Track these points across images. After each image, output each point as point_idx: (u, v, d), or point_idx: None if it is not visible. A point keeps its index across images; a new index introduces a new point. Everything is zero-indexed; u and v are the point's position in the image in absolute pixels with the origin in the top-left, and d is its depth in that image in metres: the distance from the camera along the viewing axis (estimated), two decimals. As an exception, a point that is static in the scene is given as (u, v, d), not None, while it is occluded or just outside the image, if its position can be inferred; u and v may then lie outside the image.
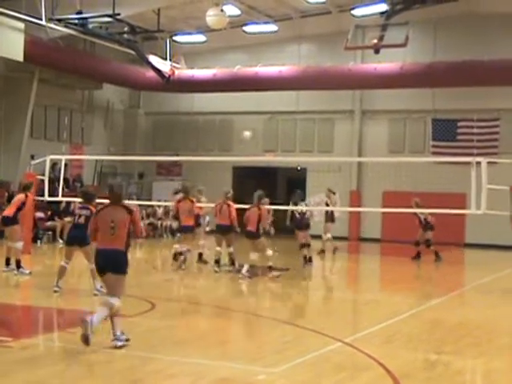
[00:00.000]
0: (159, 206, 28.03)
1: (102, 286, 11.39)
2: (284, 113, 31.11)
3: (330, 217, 21.52)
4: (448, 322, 10.79)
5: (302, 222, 17.58)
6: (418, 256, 20.61)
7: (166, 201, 25.70)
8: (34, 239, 20.96)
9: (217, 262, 16.25)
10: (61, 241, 23.06)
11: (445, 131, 28.57)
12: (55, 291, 11.98)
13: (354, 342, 8.49)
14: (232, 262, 16.30)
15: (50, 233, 23.21)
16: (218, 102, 31.31)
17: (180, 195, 17.66)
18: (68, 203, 23.69)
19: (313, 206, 20.25)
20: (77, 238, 11.96)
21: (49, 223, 23.18)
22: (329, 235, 21.43)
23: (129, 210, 8.49)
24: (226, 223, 16.05)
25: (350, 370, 7.22)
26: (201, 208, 17.56)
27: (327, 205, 21.43)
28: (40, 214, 22.58)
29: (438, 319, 10.97)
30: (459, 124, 28.38)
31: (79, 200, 13.10)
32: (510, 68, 24.87)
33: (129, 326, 9.48)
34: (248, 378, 6.84)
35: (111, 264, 8.19)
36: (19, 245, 14.22)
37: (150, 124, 33.88)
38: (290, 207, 17.84)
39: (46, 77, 26.41)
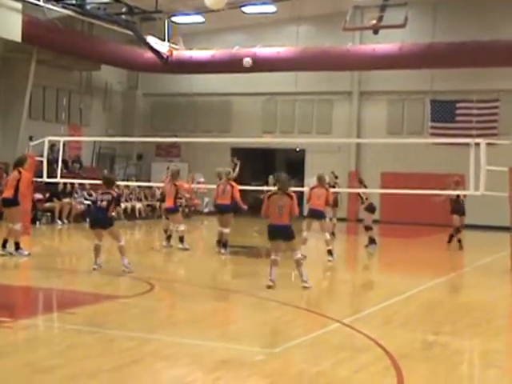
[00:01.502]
0: (158, 188, 27.99)
1: (129, 263, 12.34)
2: (282, 94, 31.05)
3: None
4: (446, 303, 10.83)
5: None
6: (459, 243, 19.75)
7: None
8: (33, 220, 20.95)
9: (219, 242, 16.18)
10: (59, 222, 23.10)
11: (443, 112, 28.53)
12: (94, 269, 12.25)
13: (352, 323, 8.52)
14: (224, 244, 16.05)
15: (48, 214, 23.21)
16: (216, 83, 31.23)
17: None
18: (66, 184, 23.71)
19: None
20: (99, 220, 12.44)
21: (47, 204, 23.18)
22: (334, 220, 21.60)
23: None
24: (226, 203, 15.98)
25: (349, 351, 7.25)
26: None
27: (333, 187, 21.48)
28: (39, 195, 22.57)
29: (436, 300, 11.00)
30: (458, 105, 28.34)
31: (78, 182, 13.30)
32: (509, 49, 24.79)
33: (127, 307, 9.51)
34: (247, 358, 6.87)
35: None
36: (18, 226, 14.17)
37: (149, 105, 33.80)
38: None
39: (44, 58, 26.32)
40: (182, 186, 16.33)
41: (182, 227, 16.30)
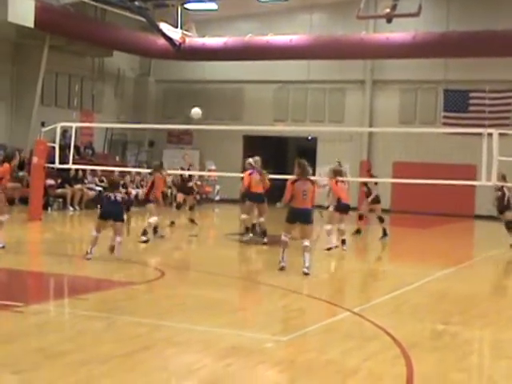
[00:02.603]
0: (169, 175, 28.01)
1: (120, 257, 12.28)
2: (295, 82, 30.97)
3: None
4: (456, 293, 10.82)
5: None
6: None
7: (182, 169, 25.77)
8: (45, 206, 21.05)
9: (247, 229, 16.11)
10: (71, 208, 23.19)
11: (456, 102, 28.40)
12: (88, 259, 12.09)
13: (362, 312, 8.54)
14: (264, 232, 15.79)
15: (60, 200, 23.29)
16: (228, 71, 31.19)
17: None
18: (78, 171, 23.78)
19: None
20: (113, 213, 12.40)
21: (59, 190, 23.26)
22: None
23: None
24: (261, 192, 15.71)
25: (358, 340, 7.26)
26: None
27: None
28: (50, 181, 22.66)
29: (445, 290, 11.00)
30: (471, 95, 28.20)
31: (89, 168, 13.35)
32: (523, 38, 24.63)
33: (138, 293, 9.56)
34: (256, 345, 6.90)
35: None
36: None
37: (161, 92, 33.80)
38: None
39: (57, 44, 26.34)
40: (159, 179, 15.97)
41: (152, 219, 15.50)
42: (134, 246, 13.23)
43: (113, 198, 12.47)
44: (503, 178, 16.53)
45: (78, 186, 23.74)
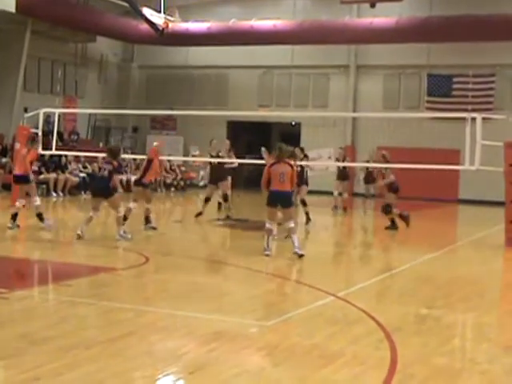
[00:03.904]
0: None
1: (125, 232, 12.64)
2: (279, 67, 30.93)
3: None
4: (439, 277, 10.88)
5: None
6: None
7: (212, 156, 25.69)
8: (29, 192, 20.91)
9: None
10: (54, 194, 23.08)
11: (440, 87, 28.47)
12: (78, 236, 12.38)
13: (346, 296, 8.57)
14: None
15: (43, 186, 23.18)
16: (212, 56, 31.09)
17: None
18: (61, 157, 23.66)
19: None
20: (101, 189, 12.70)
21: (42, 176, 23.14)
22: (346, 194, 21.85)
23: None
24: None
25: (343, 324, 7.30)
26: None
27: (342, 161, 21.70)
28: (33, 168, 22.49)
29: (429, 275, 11.06)
30: (455, 80, 28.28)
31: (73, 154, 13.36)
32: (506, 23, 24.72)
33: (122, 279, 9.56)
34: (240, 330, 6.92)
35: None
36: None
37: (144, 77, 33.66)
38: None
39: (39, 29, 26.16)
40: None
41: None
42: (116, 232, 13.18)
43: (100, 174, 12.77)
44: (383, 157, 16.75)
45: (61, 173, 23.63)
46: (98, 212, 13.07)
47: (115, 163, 12.80)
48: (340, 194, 21.97)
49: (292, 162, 12.19)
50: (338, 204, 21.93)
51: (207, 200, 17.19)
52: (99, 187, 12.82)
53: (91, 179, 22.87)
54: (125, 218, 13.68)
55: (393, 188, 16.74)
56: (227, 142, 18.30)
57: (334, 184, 22.22)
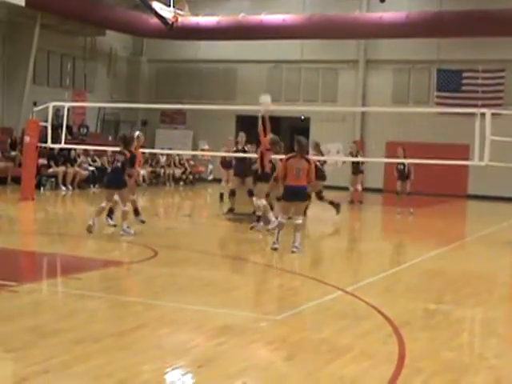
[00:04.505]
0: (162, 154, 28.05)
1: (128, 227, 12.55)
2: (288, 62, 30.89)
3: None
4: (448, 272, 10.87)
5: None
6: None
7: (169, 149, 25.71)
8: (37, 186, 21.02)
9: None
10: (63, 188, 23.14)
11: (449, 82, 28.39)
12: (89, 226, 12.39)
13: (354, 291, 8.57)
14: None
15: (52, 179, 23.25)
16: (222, 50, 31.08)
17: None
18: (70, 150, 23.72)
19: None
20: (114, 181, 12.64)
21: (51, 170, 23.21)
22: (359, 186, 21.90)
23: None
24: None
25: (351, 318, 7.30)
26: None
27: (355, 156, 21.76)
28: (43, 161, 22.59)
29: (438, 270, 11.05)
30: (464, 75, 28.19)
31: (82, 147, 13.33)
32: (517, 18, 24.59)
33: (131, 272, 9.59)
34: (249, 324, 6.93)
35: None
36: None
37: (154, 71, 33.67)
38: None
39: (49, 22, 26.19)
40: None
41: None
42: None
43: (114, 166, 12.73)
44: (317, 145, 16.70)
45: (71, 166, 23.69)
46: (111, 203, 13.09)
47: (128, 154, 12.64)
48: (356, 190, 22.12)
49: (310, 157, 12.15)
50: (354, 198, 22.07)
51: (233, 193, 17.09)
52: (112, 179, 12.78)
53: (104, 172, 23.10)
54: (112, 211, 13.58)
55: (320, 176, 16.77)
56: (242, 134, 17.89)
57: (349, 179, 22.36)
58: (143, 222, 14.38)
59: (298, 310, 7.71)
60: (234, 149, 17.54)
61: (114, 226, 13.36)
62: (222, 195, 19.05)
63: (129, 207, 13.00)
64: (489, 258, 12.59)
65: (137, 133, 15.07)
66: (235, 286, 9.13)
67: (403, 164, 19.41)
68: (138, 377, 5.17)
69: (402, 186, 19.68)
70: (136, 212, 14.45)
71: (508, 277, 11.37)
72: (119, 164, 12.59)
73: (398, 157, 19.59)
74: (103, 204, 12.78)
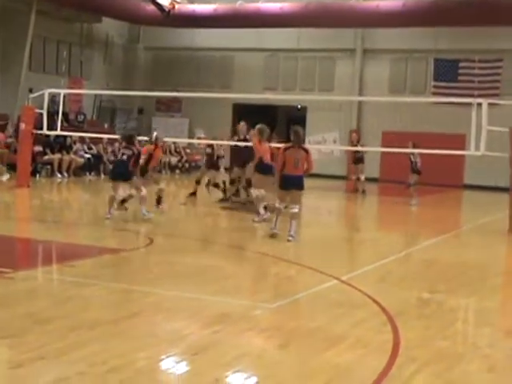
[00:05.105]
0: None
1: (147, 211, 12.91)
2: (285, 50, 30.83)
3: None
4: (443, 261, 10.90)
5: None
6: None
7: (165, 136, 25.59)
8: (33, 173, 20.99)
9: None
10: (59, 175, 23.10)
11: (446, 71, 28.37)
12: (107, 218, 12.61)
13: (350, 280, 8.59)
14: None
15: (48, 167, 23.21)
16: (218, 38, 30.99)
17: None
18: (66, 137, 23.67)
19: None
20: (120, 174, 13.03)
21: (47, 157, 23.17)
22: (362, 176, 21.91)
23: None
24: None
25: (346, 307, 7.32)
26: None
27: (355, 145, 21.77)
28: (38, 148, 22.54)
29: (432, 259, 11.08)
30: (461, 64, 28.18)
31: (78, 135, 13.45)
32: (514, 8, 24.56)
33: (126, 260, 9.59)
34: (244, 312, 6.95)
35: None
36: None
37: (150, 59, 33.59)
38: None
39: (45, 9, 26.09)
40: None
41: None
42: (121, 214, 13.23)
43: (119, 157, 13.14)
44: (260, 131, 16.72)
45: (72, 156, 23.65)
46: (118, 192, 13.29)
47: (135, 149, 13.15)
48: (358, 179, 22.13)
49: (308, 147, 12.29)
50: (359, 187, 22.10)
51: (233, 182, 17.08)
52: (119, 171, 13.11)
53: (99, 160, 23.97)
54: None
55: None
56: (243, 123, 17.67)
57: (350, 168, 22.39)
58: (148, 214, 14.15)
59: (294, 299, 7.73)
60: (236, 138, 17.45)
61: (127, 207, 13.72)
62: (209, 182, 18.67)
63: (144, 192, 13.20)
64: (483, 247, 12.62)
65: (154, 134, 15.26)
66: (230, 274, 9.15)
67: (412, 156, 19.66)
68: (132, 364, 5.18)
69: (413, 178, 19.93)
70: (158, 200, 14.72)
71: (502, 266, 11.42)
72: (125, 157, 12.92)
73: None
74: (112, 193, 13.03)
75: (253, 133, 15.07)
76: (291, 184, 11.70)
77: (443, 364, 5.58)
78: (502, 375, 5.50)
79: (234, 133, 18.27)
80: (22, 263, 9.32)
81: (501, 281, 10.02)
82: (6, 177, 14.29)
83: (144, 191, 13.18)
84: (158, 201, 14.75)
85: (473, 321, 7.61)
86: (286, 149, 11.81)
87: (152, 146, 14.61)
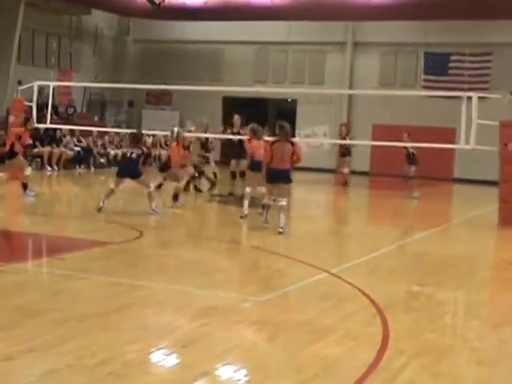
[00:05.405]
0: (148, 135, 27.91)
1: (156, 206, 13.09)
2: (275, 43, 30.76)
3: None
4: (432, 255, 10.94)
5: None
6: None
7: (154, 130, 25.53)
8: (23, 166, 20.85)
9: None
10: (49, 168, 23.01)
11: (437, 65, 28.39)
12: (99, 209, 12.72)
13: (339, 273, 8.62)
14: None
15: (38, 160, 23.12)
16: (209, 31, 30.88)
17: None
18: (56, 130, 23.59)
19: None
20: (128, 171, 13.20)
21: (36, 150, 23.07)
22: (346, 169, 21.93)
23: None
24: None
25: (335, 300, 7.34)
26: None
27: (343, 138, 21.77)
28: (28, 141, 22.40)
29: (422, 252, 11.11)
30: (451, 58, 28.20)
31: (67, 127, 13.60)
32: (504, 2, 24.57)
33: (116, 253, 9.58)
34: (234, 306, 6.96)
35: None
36: None
37: (140, 52, 33.45)
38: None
39: (33, 1, 25.92)
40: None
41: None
42: (112, 207, 13.20)
43: (128, 155, 13.23)
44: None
45: (62, 148, 23.57)
46: (119, 187, 13.38)
47: (145, 149, 13.60)
48: (334, 171, 22.16)
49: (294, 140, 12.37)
50: (342, 180, 22.14)
51: (234, 176, 17.05)
52: (127, 169, 13.26)
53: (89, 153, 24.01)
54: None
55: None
56: (237, 117, 17.65)
57: (337, 161, 22.39)
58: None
59: (283, 292, 7.75)
60: (230, 131, 17.48)
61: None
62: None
63: (153, 188, 13.33)
64: (473, 241, 12.67)
65: (175, 129, 15.53)
66: (220, 268, 9.16)
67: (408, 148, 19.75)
68: (121, 357, 5.19)
69: (409, 170, 20.01)
70: (175, 197, 14.74)
71: (491, 260, 11.47)
72: (134, 155, 13.11)
73: (404, 142, 19.69)
74: (112, 186, 13.12)
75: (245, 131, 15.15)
76: (278, 177, 11.83)
77: (432, 357, 5.60)
78: (491, 368, 5.53)
79: (225, 126, 18.23)
80: (13, 256, 9.30)
81: (490, 274, 10.07)
82: (29, 171, 14.77)
83: (152, 188, 13.34)
84: (175, 197, 14.75)
85: (462, 314, 7.64)
86: (273, 143, 11.97)
87: (174, 143, 15.23)
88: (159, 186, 15.47)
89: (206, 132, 18.41)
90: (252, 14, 27.75)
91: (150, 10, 27.64)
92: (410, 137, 19.68)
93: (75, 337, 5.57)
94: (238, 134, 16.90)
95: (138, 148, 13.37)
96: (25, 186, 14.88)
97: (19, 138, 15.30)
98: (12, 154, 15.17)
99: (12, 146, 15.16)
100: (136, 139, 13.69)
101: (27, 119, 16.12)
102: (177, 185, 14.98)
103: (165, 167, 15.93)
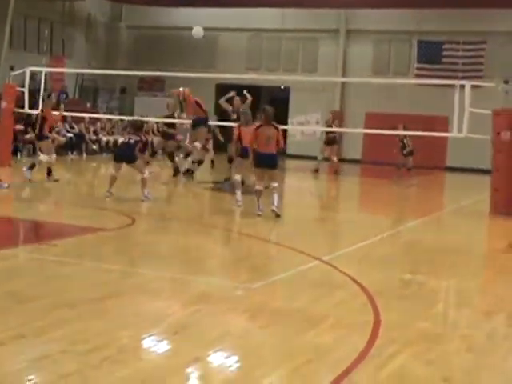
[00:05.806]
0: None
1: (148, 193, 13.15)
2: (268, 30, 30.68)
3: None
4: (424, 243, 10.96)
5: None
6: None
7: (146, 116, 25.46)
8: (14, 152, 20.81)
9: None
10: (40, 154, 22.89)
11: (430, 53, 28.37)
12: (107, 196, 12.96)
13: (331, 261, 8.62)
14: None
15: (30, 146, 23.00)
16: (202, 18, 30.68)
17: None
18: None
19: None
20: (125, 155, 13.41)
21: (28, 136, 22.95)
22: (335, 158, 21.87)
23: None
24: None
25: (327, 288, 7.36)
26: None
27: (330, 126, 21.70)
28: (20, 127, 22.33)
29: (414, 241, 11.14)
30: (445, 46, 28.18)
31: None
32: (498, -10, 24.59)
33: (108, 239, 9.57)
34: (226, 293, 6.96)
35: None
36: None
37: (132, 38, 33.32)
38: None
39: (26, -14, 25.78)
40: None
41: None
42: (104, 193, 13.19)
43: (126, 140, 13.52)
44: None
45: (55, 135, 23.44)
46: (119, 172, 13.57)
47: (143, 137, 13.78)
48: (326, 159, 22.03)
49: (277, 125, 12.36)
50: (338, 168, 22.08)
51: (231, 161, 17.01)
52: (124, 153, 13.44)
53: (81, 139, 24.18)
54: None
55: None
56: (237, 98, 17.87)
57: (320, 148, 22.31)
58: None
59: (275, 279, 7.76)
60: (231, 109, 17.63)
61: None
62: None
63: (146, 175, 13.36)
64: (465, 229, 12.70)
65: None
66: (212, 255, 9.16)
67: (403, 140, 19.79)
68: (114, 343, 5.18)
69: (403, 160, 20.11)
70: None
71: (483, 248, 11.50)
72: (132, 141, 13.30)
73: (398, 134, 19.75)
74: (113, 172, 13.36)
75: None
76: (264, 161, 11.97)
77: (423, 344, 5.62)
78: (481, 355, 5.55)
79: (220, 113, 18.20)
80: (4, 242, 9.26)
81: (481, 262, 10.10)
82: (51, 158, 15.14)
83: (146, 174, 13.40)
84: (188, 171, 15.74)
85: (453, 302, 7.66)
86: (257, 127, 12.13)
87: None
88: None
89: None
90: (246, 1, 27.69)
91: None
92: (406, 128, 19.66)
93: (67, 323, 5.56)
94: (237, 114, 16.88)
95: (137, 135, 13.53)
96: (49, 172, 15.47)
97: (46, 120, 15.62)
98: (42, 136, 15.84)
99: (41, 128, 15.25)
100: (136, 127, 13.96)
101: (58, 102, 16.42)
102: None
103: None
